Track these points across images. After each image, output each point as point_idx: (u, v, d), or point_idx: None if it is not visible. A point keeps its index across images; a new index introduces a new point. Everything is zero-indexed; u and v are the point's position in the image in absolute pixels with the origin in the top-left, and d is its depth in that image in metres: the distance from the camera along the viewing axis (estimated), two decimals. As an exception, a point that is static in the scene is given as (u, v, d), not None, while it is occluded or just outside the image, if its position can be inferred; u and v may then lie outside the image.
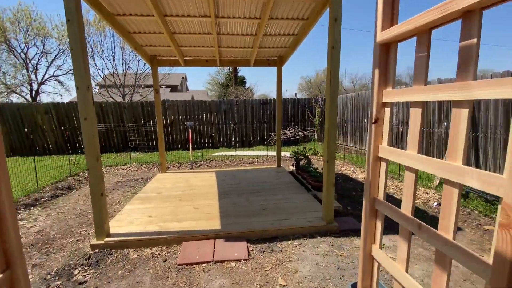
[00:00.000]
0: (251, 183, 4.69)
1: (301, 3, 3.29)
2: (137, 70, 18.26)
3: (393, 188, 4.82)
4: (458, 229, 3.19)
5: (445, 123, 5.86)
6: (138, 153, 9.63)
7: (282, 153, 8.59)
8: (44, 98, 20.70)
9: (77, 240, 3.13)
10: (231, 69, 25.91)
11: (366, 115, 8.72)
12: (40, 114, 9.82)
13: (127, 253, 2.76)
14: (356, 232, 3.08)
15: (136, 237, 2.83)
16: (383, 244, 2.85)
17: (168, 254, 2.71)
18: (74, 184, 5.70)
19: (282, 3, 3.29)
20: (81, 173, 6.74)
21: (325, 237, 2.96)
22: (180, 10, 3.45)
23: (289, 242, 2.86)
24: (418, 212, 3.71)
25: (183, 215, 3.36)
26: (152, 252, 2.75)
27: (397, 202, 3.65)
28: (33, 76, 18.84)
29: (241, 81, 27.13)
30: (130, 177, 6.19)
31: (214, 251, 2.66)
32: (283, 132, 10.86)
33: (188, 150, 10.34)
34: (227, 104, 10.76)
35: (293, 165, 5.47)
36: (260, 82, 65.38)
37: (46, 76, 19.40)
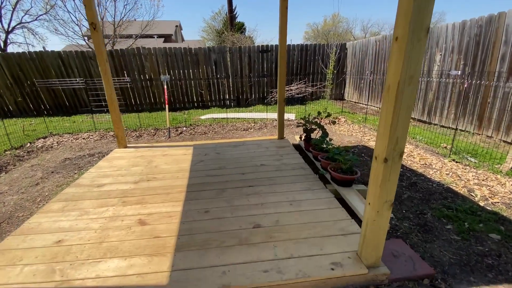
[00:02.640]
0: (241, 167, 3.20)
1: None
2: (114, 16, 15.42)
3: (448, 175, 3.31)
4: None
5: (521, 75, 4.07)
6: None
7: (286, 115, 6.98)
8: (15, 50, 18.23)
9: None
10: (227, 13, 22.43)
11: (394, 65, 6.77)
12: (-12, 68, 7.97)
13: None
14: (420, 283, 1.68)
15: (3, 304, 1.46)
16: (482, 318, 1.46)
17: None
18: (8, 162, 4.27)
19: None
20: (28, 144, 5.28)
21: (366, 299, 1.57)
22: None
23: (299, 312, 1.48)
24: (506, 225, 2.28)
25: (115, 240, 1.95)
26: None
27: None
28: (-3, 24, 16.17)
29: (240, 28, 23.79)
30: (86, 151, 4.73)
31: None
32: (287, 88, 9.02)
33: (175, 111, 8.70)
34: (218, 52, 8.70)
35: (300, 138, 3.92)
36: (260, 28, 59.26)
37: (14, 23, 16.71)
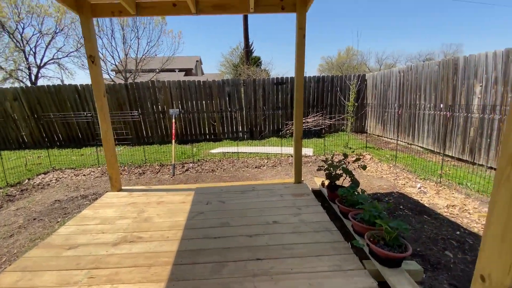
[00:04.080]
0: (248, 224, 2.55)
1: None
2: (137, 52, 16.27)
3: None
4: None
5: None
6: (122, 148, 7.79)
7: (303, 151, 6.35)
8: (44, 83, 19.51)
9: None
10: (244, 48, 23.28)
11: (424, 97, 6.13)
12: (9, 101, 8.18)
13: None
14: None
15: None
16: None
17: None
18: (-5, 203, 3.88)
19: None
20: (26, 180, 4.95)
21: None
22: None
23: None
24: None
25: None
26: None
27: None
28: (32, 59, 17.53)
29: (256, 62, 24.46)
30: (81, 191, 4.29)
31: None
32: (303, 120, 8.51)
33: (186, 143, 8.36)
34: (231, 85, 8.51)
35: (323, 185, 3.25)
36: (275, 61, 61.22)
37: (46, 59, 18.04)
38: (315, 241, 2.21)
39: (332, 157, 3.24)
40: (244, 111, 8.65)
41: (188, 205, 3.05)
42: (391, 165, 5.06)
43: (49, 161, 5.97)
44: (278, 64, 59.60)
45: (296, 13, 3.10)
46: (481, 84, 4.80)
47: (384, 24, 59.79)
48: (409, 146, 6.69)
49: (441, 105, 5.56)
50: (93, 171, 5.40)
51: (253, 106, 8.63)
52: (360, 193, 2.59)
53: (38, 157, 7.05)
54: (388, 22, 59.82)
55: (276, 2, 3.11)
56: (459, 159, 5.26)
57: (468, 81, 5.04)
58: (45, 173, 5.38)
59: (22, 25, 16.27)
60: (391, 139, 7.43)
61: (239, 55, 27.19)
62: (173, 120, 5.51)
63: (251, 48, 23.36)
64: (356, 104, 8.18)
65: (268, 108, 8.68)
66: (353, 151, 6.30)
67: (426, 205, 3.26)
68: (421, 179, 4.25)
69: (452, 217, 2.94)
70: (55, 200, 3.92)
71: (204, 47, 63.97)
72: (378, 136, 8.21)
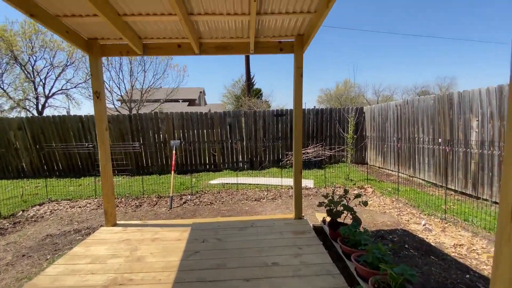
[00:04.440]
0: (246, 266, 2.43)
1: None
2: (143, 84, 16.93)
3: None
4: None
5: None
6: (121, 178, 7.73)
7: (303, 182, 6.27)
8: (50, 113, 19.98)
9: None
10: (245, 81, 24.25)
11: (422, 130, 6.21)
12: (13, 130, 8.31)
13: None
14: None
15: None
16: None
17: None
18: (-16, 238, 3.75)
19: None
20: (20, 212, 4.84)
21: None
22: None
23: None
24: None
25: None
26: None
27: None
28: (40, 89, 18.16)
29: (257, 94, 25.28)
30: (74, 225, 4.17)
31: None
32: (303, 151, 8.54)
33: (186, 173, 8.31)
34: (233, 116, 8.70)
35: (324, 222, 3.15)
36: (275, 93, 63.28)
37: (54, 89, 18.68)
38: (316, 286, 2.07)
39: (333, 191, 3.18)
40: (244, 142, 8.73)
41: (184, 242, 2.93)
42: (394, 199, 4.95)
43: (46, 191, 5.88)
44: (279, 96, 61.59)
45: (293, 54, 3.27)
46: (477, 119, 4.88)
47: (379, 55, 62.66)
48: (411, 178, 6.61)
49: (440, 139, 5.61)
50: (90, 203, 5.29)
51: (254, 137, 8.73)
52: (362, 231, 2.50)
53: (36, 186, 6.97)
54: (384, 54, 62.73)
55: (274, 44, 3.31)
56: (462, 193, 5.15)
57: (464, 116, 5.13)
58: (40, 205, 5.27)
59: (34, 58, 17.14)
60: (392, 171, 7.37)
61: (241, 87, 28.15)
62: (174, 152, 5.53)
63: (253, 81, 24.31)
64: (355, 136, 8.27)
65: (268, 139, 8.77)
66: (355, 184, 6.22)
67: (432, 244, 3.12)
68: (425, 214, 4.12)
69: (460, 258, 2.80)
70: (47, 235, 3.78)
71: (208, 78, 66.68)
72: (379, 168, 8.16)
